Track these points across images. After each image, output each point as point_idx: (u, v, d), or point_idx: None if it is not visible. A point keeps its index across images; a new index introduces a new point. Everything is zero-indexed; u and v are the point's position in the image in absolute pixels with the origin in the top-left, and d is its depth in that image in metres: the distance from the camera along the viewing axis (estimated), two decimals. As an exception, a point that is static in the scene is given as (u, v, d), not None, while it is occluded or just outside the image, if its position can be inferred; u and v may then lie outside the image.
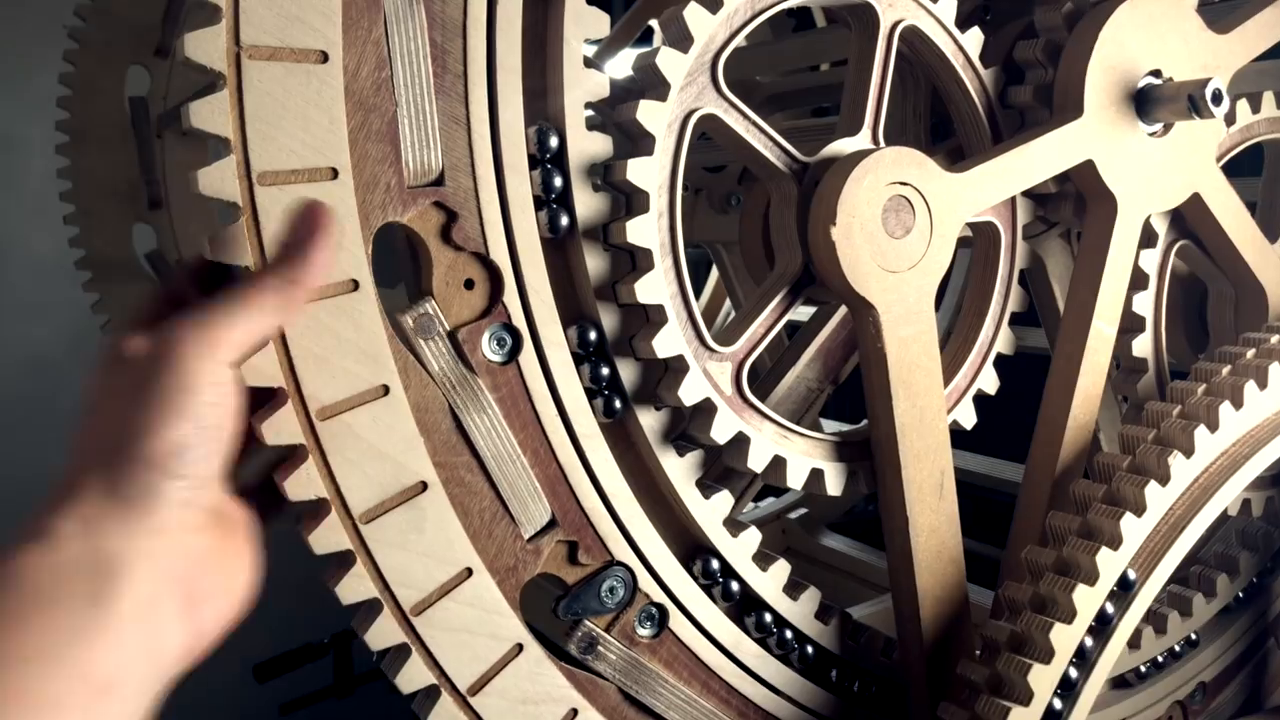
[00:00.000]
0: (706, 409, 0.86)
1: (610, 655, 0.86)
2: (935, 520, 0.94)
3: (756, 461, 0.88)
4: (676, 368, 0.84)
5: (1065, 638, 0.89)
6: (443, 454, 0.76)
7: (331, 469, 0.71)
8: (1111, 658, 0.92)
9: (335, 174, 0.70)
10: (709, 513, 0.90)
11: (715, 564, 0.91)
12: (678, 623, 0.89)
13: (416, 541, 0.75)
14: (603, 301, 0.83)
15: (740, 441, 0.88)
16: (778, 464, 0.90)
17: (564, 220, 0.80)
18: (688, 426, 0.88)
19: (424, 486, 0.75)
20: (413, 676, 0.77)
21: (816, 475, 0.92)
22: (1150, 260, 1.14)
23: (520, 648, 0.80)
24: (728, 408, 0.87)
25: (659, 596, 0.88)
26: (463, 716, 0.78)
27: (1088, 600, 0.90)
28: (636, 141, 0.82)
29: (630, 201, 0.83)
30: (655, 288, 0.82)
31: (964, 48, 0.98)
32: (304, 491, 0.71)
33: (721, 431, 0.86)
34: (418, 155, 0.74)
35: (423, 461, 0.75)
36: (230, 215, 0.67)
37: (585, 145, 0.80)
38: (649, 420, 0.86)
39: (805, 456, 0.91)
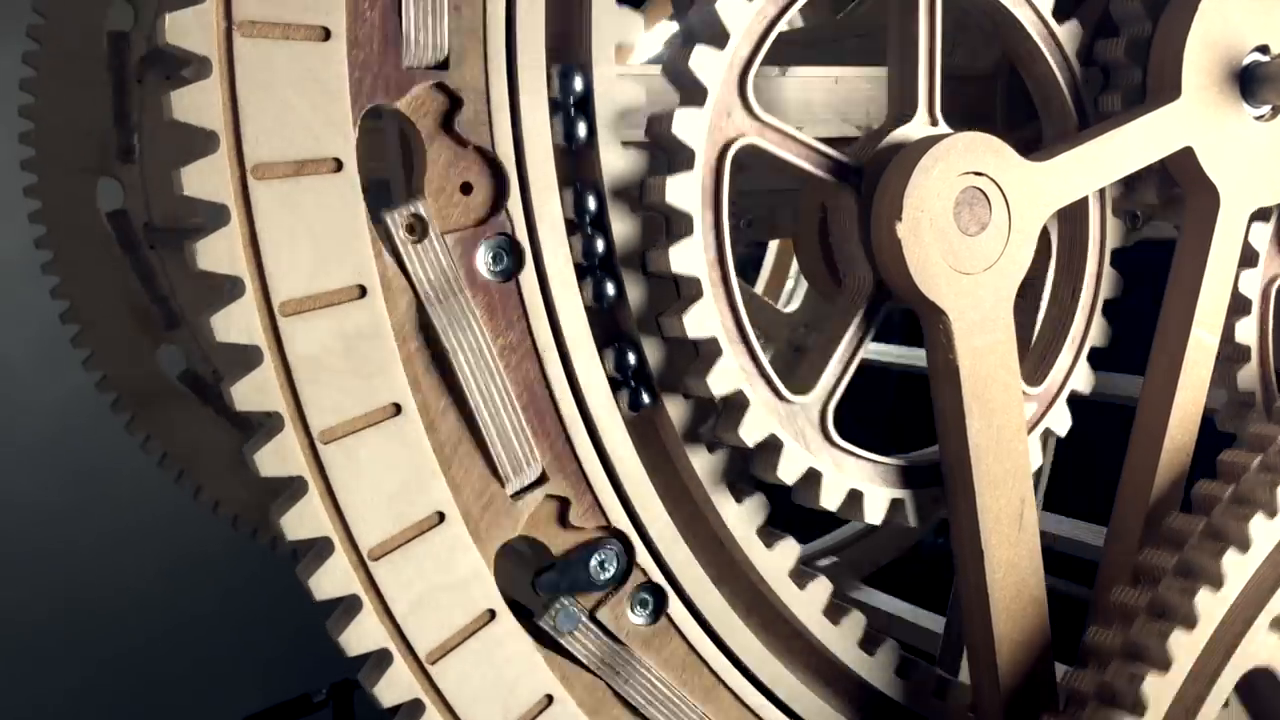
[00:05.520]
0: (772, 445, 0.85)
1: (591, 640, 0.82)
2: (1014, 554, 0.91)
3: (830, 499, 0.88)
4: (737, 404, 0.83)
5: (1185, 646, 0.87)
6: (412, 379, 0.72)
7: (298, 394, 0.68)
8: (1234, 677, 0.90)
9: (327, 34, 0.67)
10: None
11: None
12: (677, 611, 0.85)
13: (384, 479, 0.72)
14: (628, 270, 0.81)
15: (811, 479, 0.87)
16: (854, 499, 0.89)
17: (581, 129, 0.76)
18: (751, 465, 0.87)
19: (397, 408, 0.72)
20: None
21: (897, 506, 0.92)
22: (1252, 282, 1.11)
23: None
24: (794, 443, 0.86)
25: (657, 577, 0.84)
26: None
27: (1211, 605, 0.88)
28: (674, 156, 0.79)
29: (670, 224, 0.80)
30: (705, 318, 0.80)
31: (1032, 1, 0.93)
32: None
33: (790, 471, 0.86)
34: (423, 31, 0.70)
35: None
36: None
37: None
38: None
39: (887, 488, 0.91)
